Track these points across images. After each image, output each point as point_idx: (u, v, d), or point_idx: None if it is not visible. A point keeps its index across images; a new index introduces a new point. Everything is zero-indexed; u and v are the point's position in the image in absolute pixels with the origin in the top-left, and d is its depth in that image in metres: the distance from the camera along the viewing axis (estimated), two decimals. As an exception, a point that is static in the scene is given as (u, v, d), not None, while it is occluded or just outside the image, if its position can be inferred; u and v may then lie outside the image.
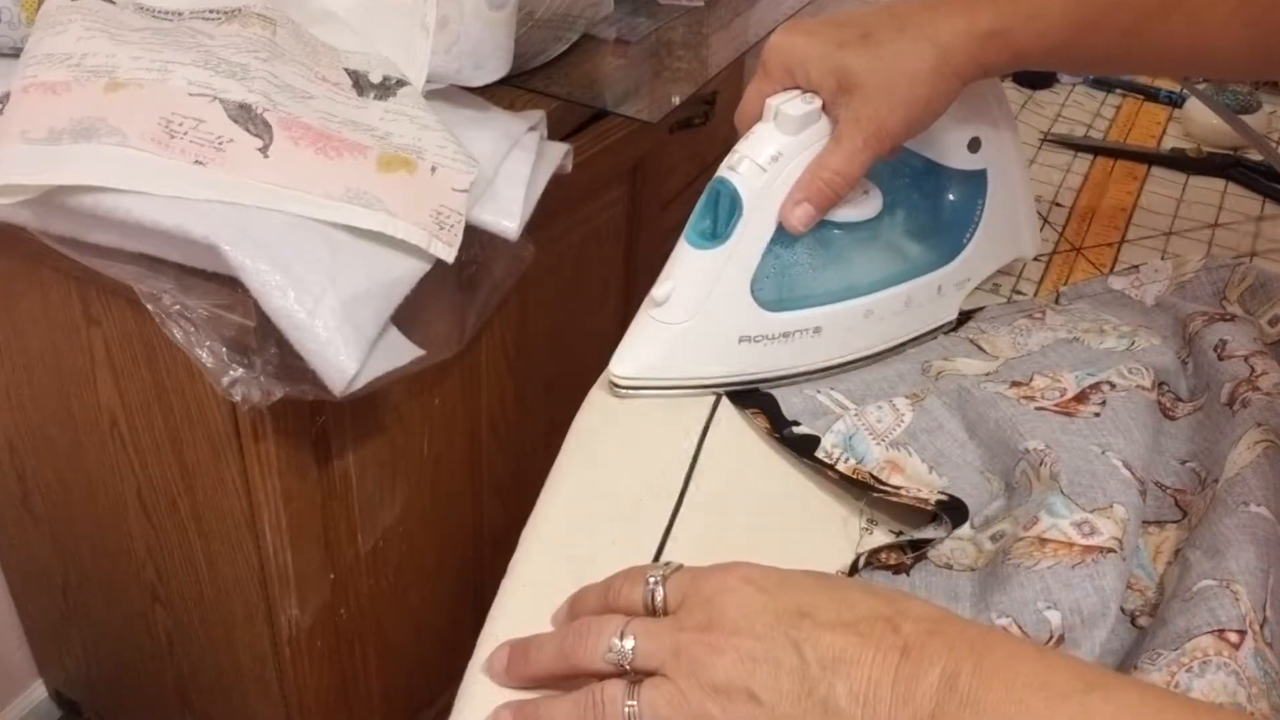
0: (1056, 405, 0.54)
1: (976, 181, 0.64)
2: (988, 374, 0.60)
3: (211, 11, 0.81)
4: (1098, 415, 0.53)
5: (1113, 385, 0.55)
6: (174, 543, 0.95)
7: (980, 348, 0.63)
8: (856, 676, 0.37)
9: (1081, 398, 0.55)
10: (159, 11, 0.80)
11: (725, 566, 0.42)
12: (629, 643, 0.40)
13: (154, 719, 1.18)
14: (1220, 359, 0.58)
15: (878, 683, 0.36)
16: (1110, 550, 0.46)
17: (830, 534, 0.53)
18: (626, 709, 0.39)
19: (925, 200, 0.65)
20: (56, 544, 1.08)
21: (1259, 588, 0.43)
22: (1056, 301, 0.69)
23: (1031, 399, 0.55)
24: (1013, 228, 0.67)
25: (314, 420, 0.83)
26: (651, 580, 0.42)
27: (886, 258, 0.63)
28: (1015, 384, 0.57)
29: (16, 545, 1.15)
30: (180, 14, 0.80)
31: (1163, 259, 0.71)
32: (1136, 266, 0.70)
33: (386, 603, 1.02)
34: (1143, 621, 0.47)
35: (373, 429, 0.91)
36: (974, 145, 0.63)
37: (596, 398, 0.61)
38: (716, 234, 0.57)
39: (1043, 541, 0.47)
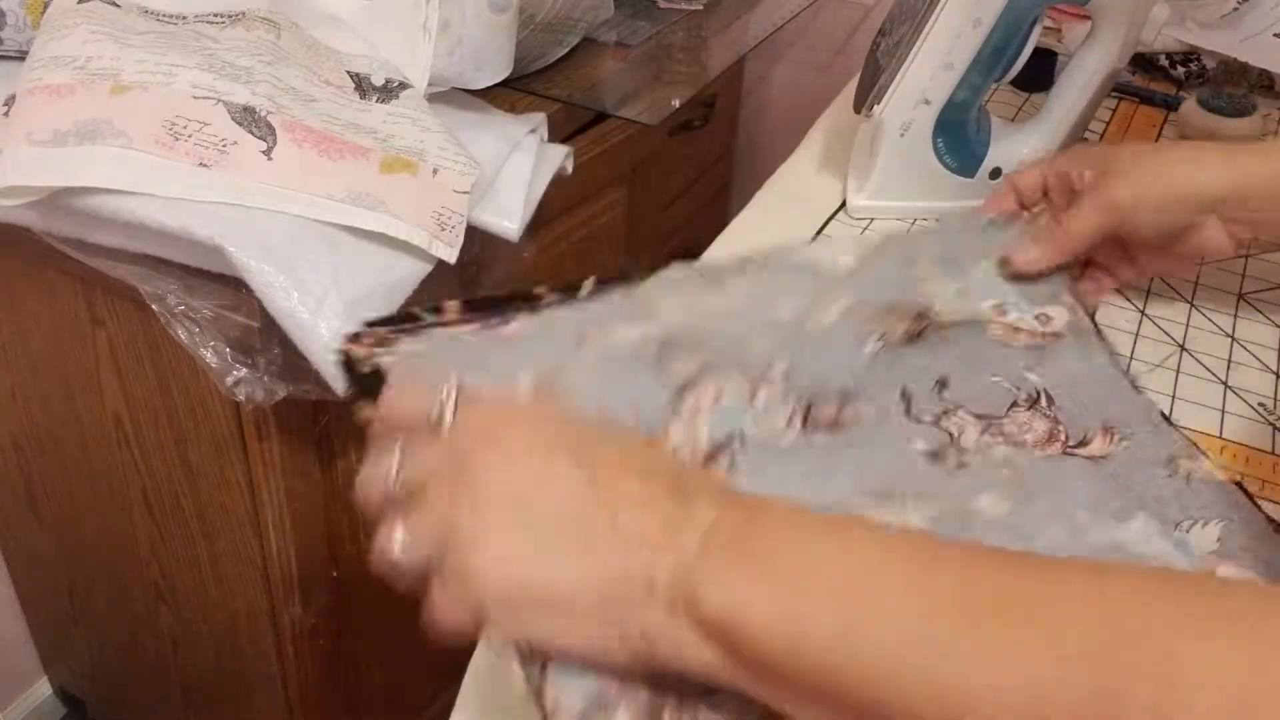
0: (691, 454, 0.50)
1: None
2: (644, 337, 0.55)
3: (216, 15, 0.81)
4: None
5: (744, 440, 0.51)
6: (178, 542, 0.96)
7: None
8: (627, 519, 0.34)
9: (710, 459, 0.50)
10: (163, 15, 0.81)
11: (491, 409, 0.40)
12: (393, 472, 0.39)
13: (158, 717, 1.19)
14: (907, 416, 0.56)
15: (651, 526, 0.34)
16: None
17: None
18: (397, 542, 0.38)
19: None
20: (62, 543, 1.09)
21: None
22: (744, 269, 0.63)
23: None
24: None
25: (317, 420, 0.84)
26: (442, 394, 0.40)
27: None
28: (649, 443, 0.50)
29: (22, 544, 1.15)
30: (185, 18, 0.81)
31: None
32: (830, 235, 0.68)
33: (388, 601, 1.02)
34: None
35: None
36: None
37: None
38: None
39: None
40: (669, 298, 0.59)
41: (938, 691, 0.28)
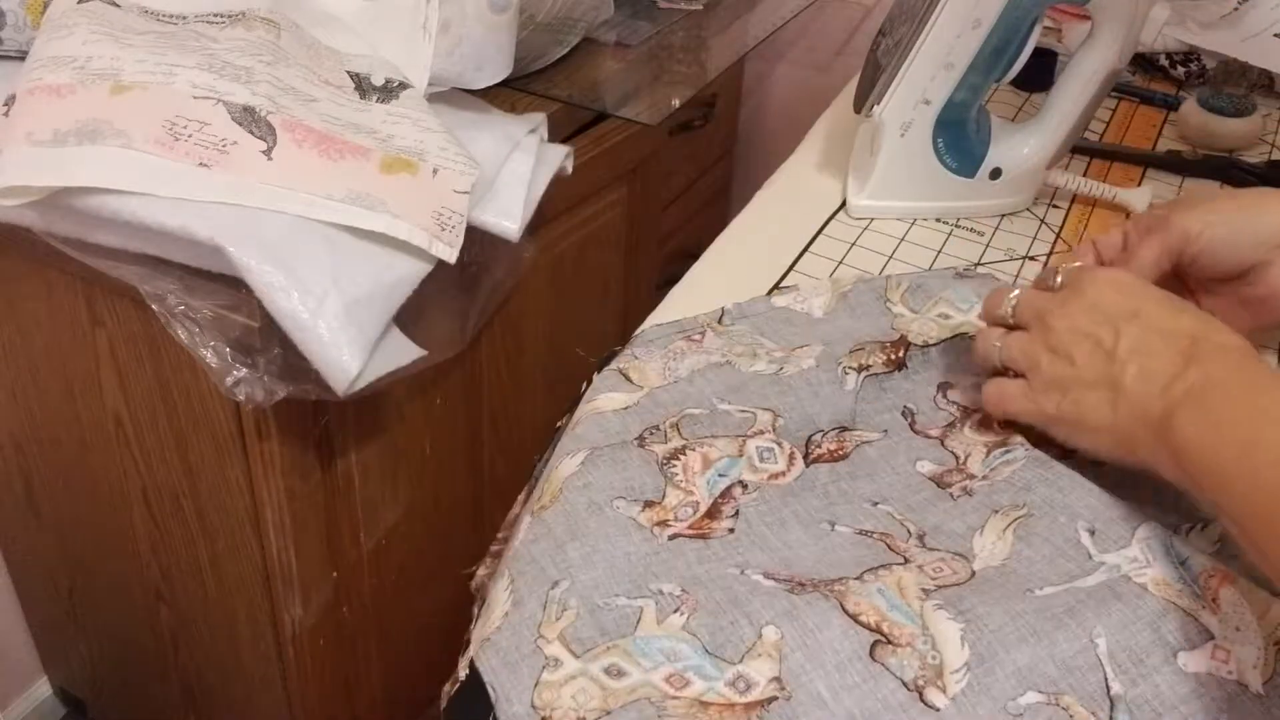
0: (690, 528, 0.50)
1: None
2: (626, 408, 0.57)
3: (216, 15, 0.81)
4: (732, 531, 0.50)
5: (745, 486, 0.52)
6: (178, 542, 0.96)
7: (627, 378, 0.60)
8: (1146, 366, 0.48)
9: (714, 512, 0.51)
10: (163, 15, 0.81)
11: (1108, 271, 0.55)
12: (1013, 301, 0.56)
13: (158, 717, 1.19)
14: (913, 431, 0.56)
15: (1157, 373, 0.48)
16: (773, 698, 0.43)
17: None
18: (995, 346, 0.55)
19: None
20: (62, 544, 1.09)
21: (1087, 671, 0.43)
22: (720, 320, 0.65)
23: (666, 523, 0.51)
24: None
25: (317, 420, 0.84)
26: (1056, 274, 0.56)
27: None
28: (648, 504, 0.51)
29: (22, 545, 1.15)
30: (184, 18, 0.81)
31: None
32: (795, 285, 0.69)
33: (389, 601, 1.02)
34: (933, 697, 0.42)
35: (375, 429, 0.91)
36: None
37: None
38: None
39: (704, 704, 0.43)
40: (650, 361, 0.61)
41: (1268, 509, 0.41)
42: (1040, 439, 0.54)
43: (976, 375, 0.59)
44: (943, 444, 0.56)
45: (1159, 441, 0.46)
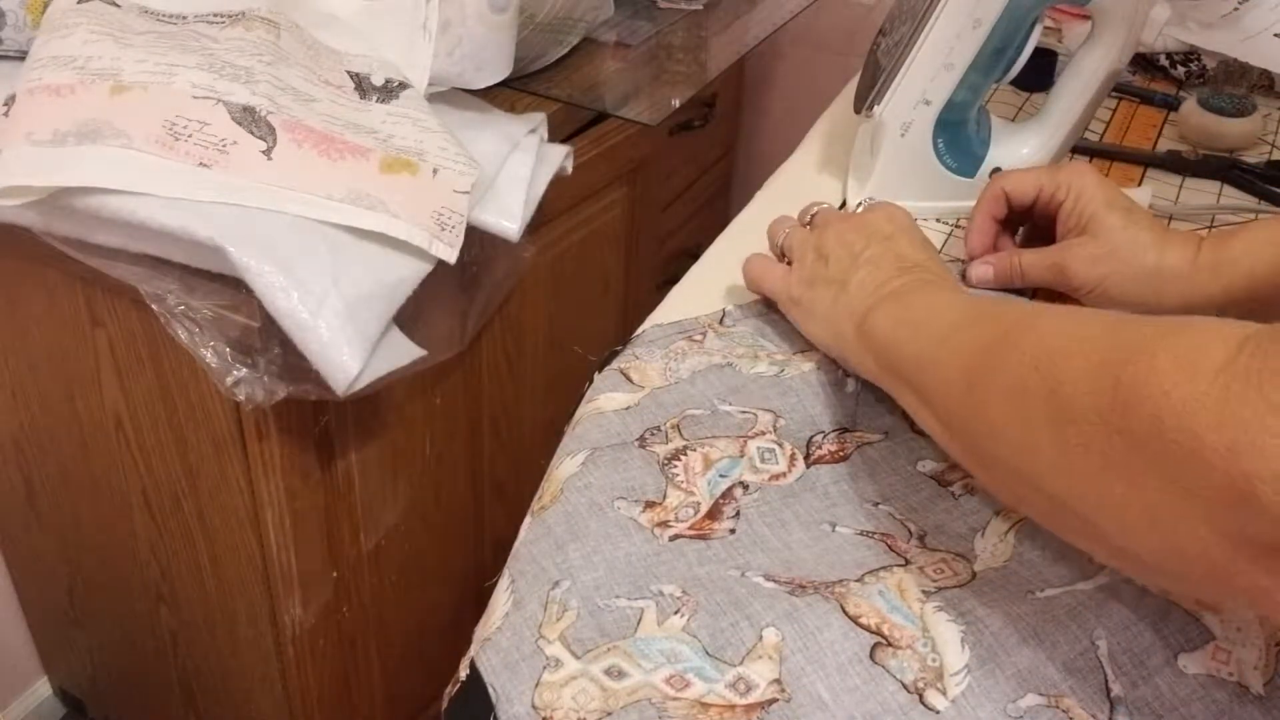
0: (691, 528, 0.50)
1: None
2: (627, 408, 0.57)
3: (216, 15, 0.81)
4: (733, 532, 0.50)
5: (746, 487, 0.52)
6: (178, 542, 0.96)
7: (628, 378, 0.60)
8: (870, 275, 0.56)
9: (714, 513, 0.51)
10: (163, 15, 0.81)
11: (891, 205, 0.62)
12: (815, 210, 0.65)
13: (158, 717, 1.19)
14: (914, 431, 0.56)
15: (875, 281, 0.56)
16: (773, 700, 0.43)
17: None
18: (785, 232, 0.65)
19: None
20: (62, 544, 1.09)
21: (1088, 673, 0.43)
22: (721, 322, 0.65)
23: (666, 524, 0.51)
24: None
25: (317, 420, 0.84)
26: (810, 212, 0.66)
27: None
28: (649, 505, 0.51)
29: (22, 545, 1.15)
30: (184, 17, 0.81)
31: None
32: None
33: (389, 601, 1.02)
34: (933, 699, 0.42)
35: (375, 429, 0.91)
36: None
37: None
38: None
39: (705, 706, 0.43)
40: (651, 362, 0.61)
41: (932, 363, 0.48)
42: None
43: None
44: None
45: (859, 334, 0.54)
